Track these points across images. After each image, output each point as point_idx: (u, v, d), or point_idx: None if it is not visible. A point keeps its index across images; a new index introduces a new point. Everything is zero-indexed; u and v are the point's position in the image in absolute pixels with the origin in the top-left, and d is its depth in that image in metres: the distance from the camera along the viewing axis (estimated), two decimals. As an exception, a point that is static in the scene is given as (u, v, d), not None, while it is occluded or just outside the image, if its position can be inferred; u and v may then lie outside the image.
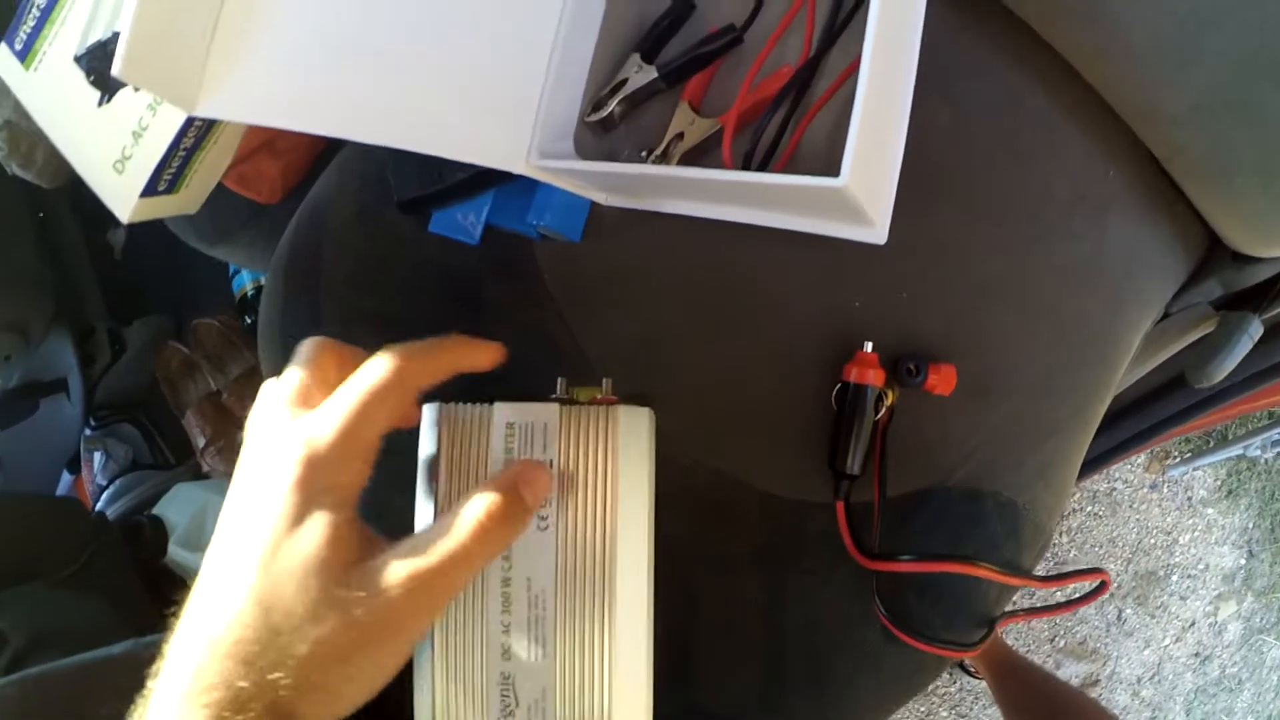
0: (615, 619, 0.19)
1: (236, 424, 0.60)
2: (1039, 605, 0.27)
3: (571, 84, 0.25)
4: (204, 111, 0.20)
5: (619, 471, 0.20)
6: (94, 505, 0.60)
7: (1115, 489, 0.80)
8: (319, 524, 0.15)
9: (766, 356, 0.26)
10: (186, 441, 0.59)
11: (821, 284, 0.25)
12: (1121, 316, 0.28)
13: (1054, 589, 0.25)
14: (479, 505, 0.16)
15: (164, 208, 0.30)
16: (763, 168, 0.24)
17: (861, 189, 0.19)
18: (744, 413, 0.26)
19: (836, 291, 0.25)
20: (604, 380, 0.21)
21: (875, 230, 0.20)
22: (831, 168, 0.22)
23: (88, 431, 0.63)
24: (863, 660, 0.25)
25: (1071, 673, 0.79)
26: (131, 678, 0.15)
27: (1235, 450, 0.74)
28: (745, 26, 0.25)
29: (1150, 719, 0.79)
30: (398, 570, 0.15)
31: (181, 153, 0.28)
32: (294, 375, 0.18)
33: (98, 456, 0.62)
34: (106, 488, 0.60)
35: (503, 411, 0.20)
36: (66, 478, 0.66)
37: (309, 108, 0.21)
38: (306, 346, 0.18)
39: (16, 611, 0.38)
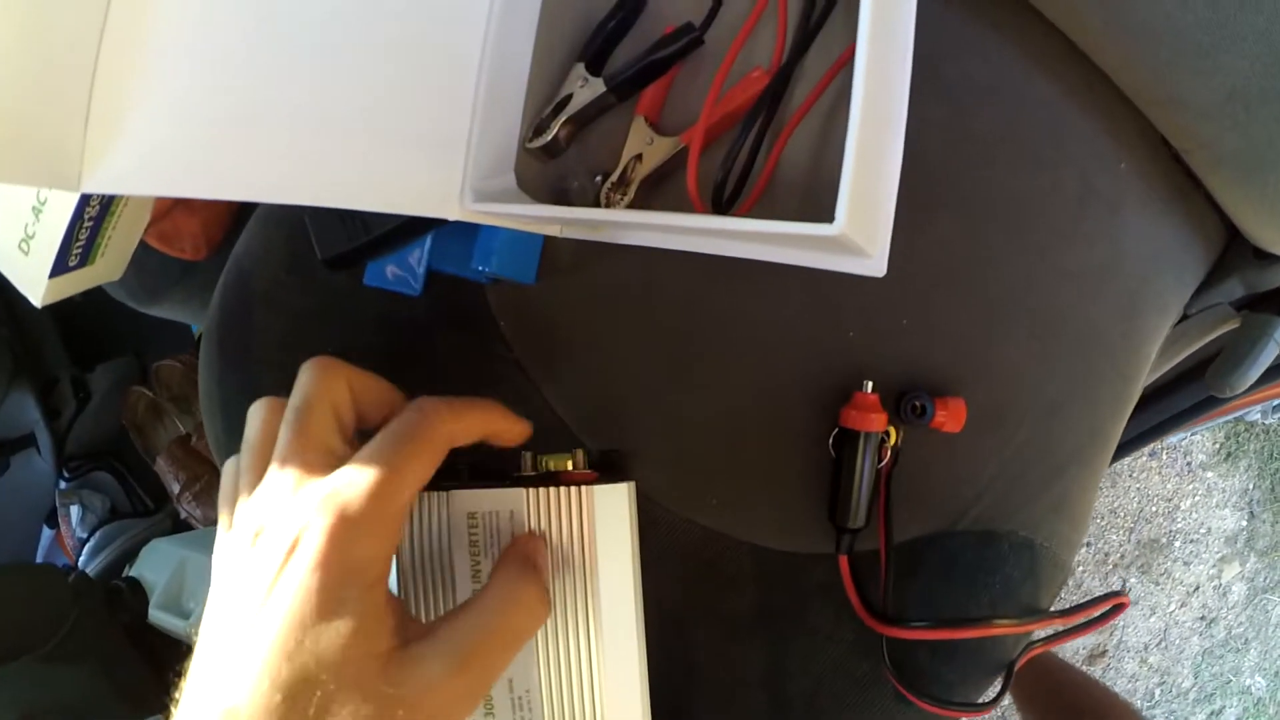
0: (607, 714, 0.18)
1: (210, 467, 0.58)
2: (1055, 633, 0.25)
3: (506, 107, 0.21)
4: (91, 188, 0.17)
5: (598, 564, 0.18)
6: (76, 559, 0.57)
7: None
8: (355, 608, 0.13)
9: (753, 399, 0.23)
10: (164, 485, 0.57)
11: (811, 315, 0.23)
12: (1139, 324, 0.25)
13: (1073, 623, 0.23)
14: (517, 580, 0.16)
15: (81, 282, 0.27)
16: (736, 196, 0.21)
17: (859, 230, 0.16)
18: (732, 464, 0.24)
19: (828, 322, 0.23)
20: (576, 451, 0.19)
21: (872, 261, 0.18)
22: (816, 188, 0.19)
23: (62, 485, 0.60)
24: (874, 725, 0.24)
25: (1079, 645, 0.79)
26: None
27: (1233, 414, 0.74)
28: (705, 24, 0.21)
29: (1159, 684, 0.80)
30: (445, 659, 0.14)
31: (88, 224, 0.25)
32: (304, 407, 0.15)
33: (74, 510, 0.60)
34: (87, 540, 0.58)
35: (462, 501, 0.18)
36: (47, 533, 0.64)
37: (207, 171, 0.18)
38: (317, 369, 0.16)
39: (8, 695, 0.36)
